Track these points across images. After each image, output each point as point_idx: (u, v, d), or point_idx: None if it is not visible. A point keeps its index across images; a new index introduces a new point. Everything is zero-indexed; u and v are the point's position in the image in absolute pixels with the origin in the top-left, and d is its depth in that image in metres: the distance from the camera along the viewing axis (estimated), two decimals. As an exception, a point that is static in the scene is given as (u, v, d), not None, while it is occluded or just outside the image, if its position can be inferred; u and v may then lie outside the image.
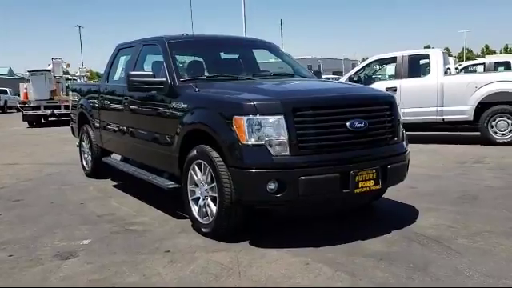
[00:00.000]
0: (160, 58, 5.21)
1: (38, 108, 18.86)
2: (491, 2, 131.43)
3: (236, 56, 5.77)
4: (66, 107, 19.11)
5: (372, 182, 3.88)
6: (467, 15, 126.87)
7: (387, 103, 4.24)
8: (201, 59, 5.42)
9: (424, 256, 3.54)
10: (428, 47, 72.37)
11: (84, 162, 7.35)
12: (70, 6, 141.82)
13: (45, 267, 3.57)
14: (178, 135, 4.42)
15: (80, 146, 7.47)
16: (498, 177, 6.37)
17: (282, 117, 3.66)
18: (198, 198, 4.24)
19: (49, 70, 19.76)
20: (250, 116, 3.68)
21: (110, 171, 7.03)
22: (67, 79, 22.22)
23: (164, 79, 4.71)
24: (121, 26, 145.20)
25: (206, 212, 4.14)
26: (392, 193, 5.00)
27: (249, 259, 3.58)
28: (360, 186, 3.80)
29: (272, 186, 3.63)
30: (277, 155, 3.65)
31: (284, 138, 3.65)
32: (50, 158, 9.49)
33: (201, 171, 4.15)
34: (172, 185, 4.65)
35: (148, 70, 5.51)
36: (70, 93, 8.23)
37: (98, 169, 6.99)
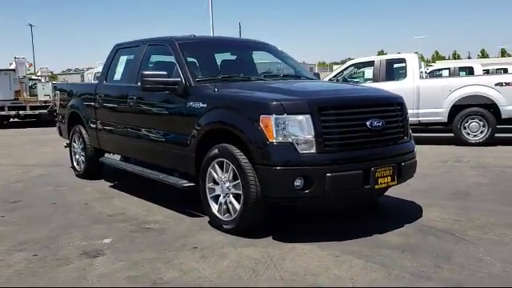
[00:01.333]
0: (167, 58, 5.26)
1: (1, 109, 18.20)
2: (441, 11, 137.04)
3: (243, 57, 5.84)
4: (32, 108, 18.61)
5: (389, 179, 4.10)
6: (419, 22, 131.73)
7: (398, 104, 4.48)
8: (211, 60, 5.49)
9: (442, 247, 3.78)
10: (382, 52, 74.50)
11: (75, 163, 7.21)
12: (18, 4, 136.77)
13: (76, 266, 3.57)
14: (194, 135, 4.47)
15: (70, 146, 7.32)
16: (481, 174, 6.77)
17: (309, 116, 3.80)
18: (218, 196, 4.31)
19: (13, 70, 19.09)
20: (278, 115, 3.80)
21: (103, 172, 6.99)
22: (30, 79, 21.52)
23: (178, 79, 4.75)
24: (70, 28, 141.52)
25: (228, 209, 4.22)
26: (391, 190, 5.21)
27: (279, 253, 3.70)
28: (379, 182, 4.01)
29: (298, 182, 3.77)
30: (303, 153, 3.79)
31: (310, 136, 3.80)
32: (31, 159, 9.23)
33: (222, 169, 4.23)
34: (187, 183, 4.69)
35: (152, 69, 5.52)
36: (58, 92, 8.05)
37: (92, 169, 6.90)
